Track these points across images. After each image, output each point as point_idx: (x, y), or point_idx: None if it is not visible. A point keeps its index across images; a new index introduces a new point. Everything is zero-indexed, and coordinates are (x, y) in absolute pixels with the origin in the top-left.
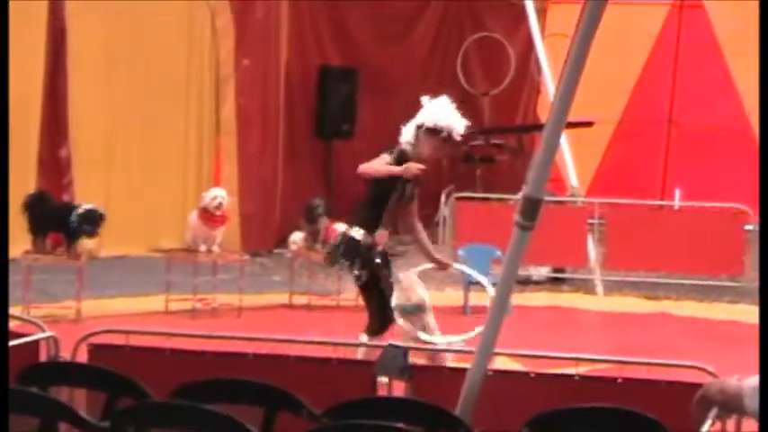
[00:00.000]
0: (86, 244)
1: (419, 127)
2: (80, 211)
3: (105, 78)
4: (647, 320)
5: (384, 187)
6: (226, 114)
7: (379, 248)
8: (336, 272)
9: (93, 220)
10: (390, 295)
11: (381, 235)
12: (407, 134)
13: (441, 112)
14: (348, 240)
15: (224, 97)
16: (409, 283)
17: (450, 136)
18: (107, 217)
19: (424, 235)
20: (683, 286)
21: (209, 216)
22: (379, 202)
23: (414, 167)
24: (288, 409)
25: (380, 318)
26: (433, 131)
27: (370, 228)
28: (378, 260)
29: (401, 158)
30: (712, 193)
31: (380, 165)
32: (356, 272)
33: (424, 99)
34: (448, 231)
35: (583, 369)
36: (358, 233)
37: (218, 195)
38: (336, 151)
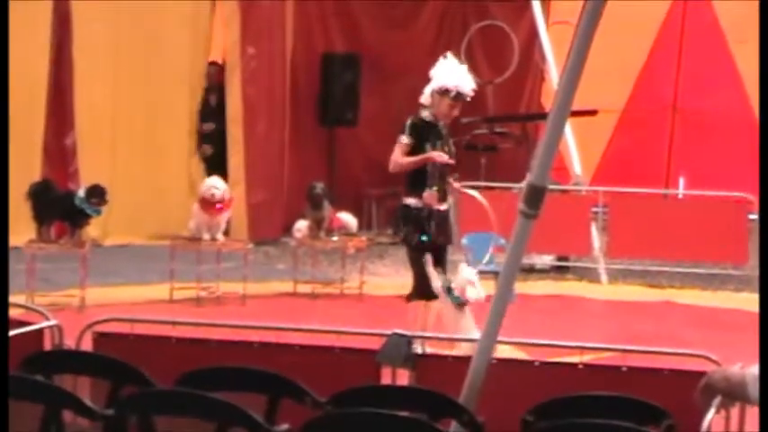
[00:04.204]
0: (91, 232)
1: (433, 88)
2: (84, 189)
3: (111, 67)
4: (650, 309)
5: (417, 152)
6: (232, 103)
7: (433, 209)
8: (340, 258)
9: (98, 193)
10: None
11: (429, 195)
12: (426, 96)
13: (448, 72)
14: (401, 209)
15: (230, 86)
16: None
17: (459, 95)
18: (112, 205)
19: (456, 185)
20: (686, 275)
21: (209, 205)
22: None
23: (434, 156)
24: (291, 397)
25: (422, 284)
26: (444, 92)
27: (418, 190)
28: (427, 222)
29: (416, 126)
30: (716, 181)
31: (400, 153)
32: (409, 236)
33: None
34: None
35: (587, 357)
36: (409, 199)
37: (213, 186)
38: (340, 139)
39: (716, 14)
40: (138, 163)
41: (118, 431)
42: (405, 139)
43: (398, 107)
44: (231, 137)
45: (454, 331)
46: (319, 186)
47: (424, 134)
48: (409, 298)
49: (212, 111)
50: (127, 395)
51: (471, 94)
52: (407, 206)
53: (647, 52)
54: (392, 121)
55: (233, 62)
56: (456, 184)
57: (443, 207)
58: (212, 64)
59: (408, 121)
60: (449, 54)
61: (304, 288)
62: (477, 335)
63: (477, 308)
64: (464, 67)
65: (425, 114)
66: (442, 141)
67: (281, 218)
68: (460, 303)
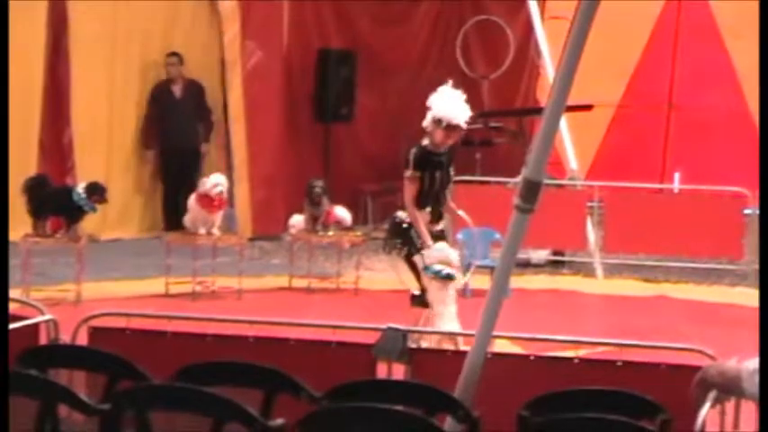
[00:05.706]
0: (87, 227)
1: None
2: (82, 186)
3: (107, 62)
4: (646, 303)
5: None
6: (234, 100)
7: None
8: (336, 253)
9: (98, 190)
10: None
11: (421, 214)
12: (427, 121)
13: (442, 102)
14: (392, 220)
15: (230, 82)
16: (447, 253)
17: (450, 126)
18: (109, 201)
19: (451, 204)
20: (682, 269)
21: (208, 201)
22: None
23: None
24: (288, 392)
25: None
26: (438, 121)
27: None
28: (420, 240)
29: (418, 158)
30: (712, 176)
31: (413, 189)
32: (398, 247)
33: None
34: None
35: (582, 352)
36: (401, 213)
37: (220, 183)
38: (336, 134)
39: (711, 9)
40: (135, 158)
41: (113, 426)
42: (409, 173)
43: (394, 103)
44: (234, 134)
45: (439, 313)
46: (319, 185)
47: (423, 164)
48: (413, 302)
49: (175, 102)
50: (122, 390)
51: (464, 126)
52: (399, 220)
53: (643, 47)
54: (388, 117)
55: (233, 58)
56: (451, 205)
57: (438, 227)
58: (173, 54)
59: (412, 152)
60: (450, 82)
61: (300, 283)
62: (455, 324)
63: (474, 303)
64: (460, 97)
65: (426, 143)
66: (441, 172)
67: (281, 213)
68: (444, 277)
